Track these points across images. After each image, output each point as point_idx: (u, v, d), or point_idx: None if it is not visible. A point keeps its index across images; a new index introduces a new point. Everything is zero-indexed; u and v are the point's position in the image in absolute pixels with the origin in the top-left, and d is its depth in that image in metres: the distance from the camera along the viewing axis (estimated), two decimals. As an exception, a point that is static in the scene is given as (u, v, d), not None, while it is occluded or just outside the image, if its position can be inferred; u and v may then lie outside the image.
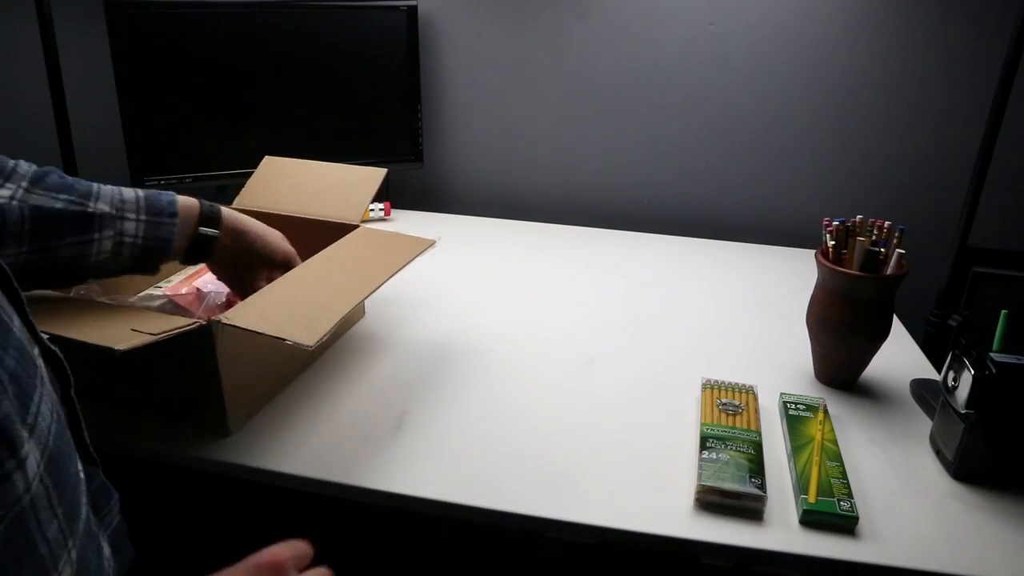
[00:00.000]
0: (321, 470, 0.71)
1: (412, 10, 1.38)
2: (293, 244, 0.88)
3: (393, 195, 1.56)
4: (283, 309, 0.70)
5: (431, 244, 0.89)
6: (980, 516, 0.68)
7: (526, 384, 0.87)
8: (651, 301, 1.13)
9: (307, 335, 0.63)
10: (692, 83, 1.40)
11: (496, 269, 1.23)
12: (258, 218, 0.96)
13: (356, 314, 1.02)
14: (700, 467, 0.70)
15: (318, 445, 0.75)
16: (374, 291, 0.77)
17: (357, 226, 0.94)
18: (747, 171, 1.44)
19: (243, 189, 1.03)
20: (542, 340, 0.98)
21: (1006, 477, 0.72)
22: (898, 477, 0.73)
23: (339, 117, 1.40)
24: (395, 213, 1.49)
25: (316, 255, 0.83)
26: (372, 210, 1.43)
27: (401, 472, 0.71)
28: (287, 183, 1.03)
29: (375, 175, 1.02)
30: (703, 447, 0.73)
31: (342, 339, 0.97)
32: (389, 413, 0.81)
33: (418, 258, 0.86)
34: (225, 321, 0.65)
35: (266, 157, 1.08)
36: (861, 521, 0.66)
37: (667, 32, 1.37)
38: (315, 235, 0.91)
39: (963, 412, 0.70)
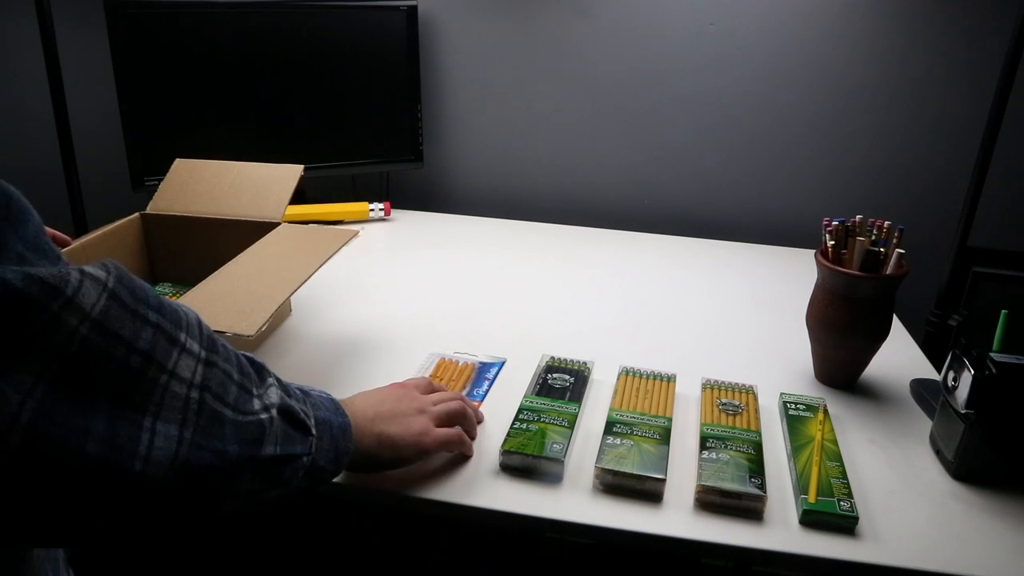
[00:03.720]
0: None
1: (412, 10, 1.38)
2: (214, 246, 0.88)
3: (393, 195, 1.56)
4: (218, 304, 0.72)
5: (355, 235, 0.91)
6: (980, 516, 0.68)
7: (526, 384, 0.87)
8: (651, 301, 1.13)
9: (246, 326, 0.67)
10: (692, 83, 1.40)
11: (496, 269, 1.23)
12: (175, 222, 0.96)
13: (284, 311, 1.02)
14: (700, 467, 0.70)
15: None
16: (305, 282, 0.80)
17: (279, 224, 0.96)
18: (747, 171, 1.44)
19: (156, 193, 1.03)
20: (542, 340, 0.98)
21: (1006, 477, 0.72)
22: (898, 477, 0.73)
23: (339, 117, 1.40)
24: (395, 213, 1.49)
25: (242, 253, 0.85)
26: (372, 210, 1.43)
27: (401, 472, 0.71)
28: (203, 185, 1.04)
29: (292, 172, 1.03)
30: (703, 447, 0.73)
31: (274, 335, 0.97)
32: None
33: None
34: None
35: (177, 160, 1.07)
36: (861, 521, 0.66)
37: (667, 32, 1.37)
38: (237, 235, 0.93)
39: (963, 412, 0.70)
